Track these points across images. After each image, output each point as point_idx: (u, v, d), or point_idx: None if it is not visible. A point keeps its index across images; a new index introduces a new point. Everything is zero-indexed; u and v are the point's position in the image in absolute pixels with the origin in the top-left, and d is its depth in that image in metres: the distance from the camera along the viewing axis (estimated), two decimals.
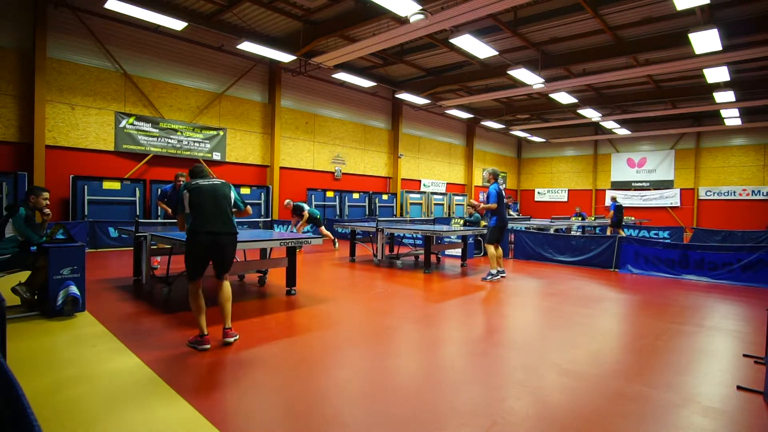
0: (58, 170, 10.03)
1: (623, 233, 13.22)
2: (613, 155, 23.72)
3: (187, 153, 12.10)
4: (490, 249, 7.02)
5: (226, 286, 3.73)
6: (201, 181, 3.69)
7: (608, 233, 13.37)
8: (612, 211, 13.91)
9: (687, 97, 16.17)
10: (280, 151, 14.20)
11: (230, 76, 13.06)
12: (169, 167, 11.64)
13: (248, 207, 3.98)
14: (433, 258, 8.67)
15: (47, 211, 4.68)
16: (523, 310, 5.33)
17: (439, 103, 17.15)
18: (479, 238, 10.28)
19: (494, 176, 6.98)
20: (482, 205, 7.04)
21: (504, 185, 25.71)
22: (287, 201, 11.19)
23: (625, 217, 14.50)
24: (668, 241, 11.47)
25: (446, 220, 13.86)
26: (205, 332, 3.54)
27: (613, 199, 14.18)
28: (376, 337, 4.03)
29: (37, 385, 2.78)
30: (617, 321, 4.95)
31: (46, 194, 4.64)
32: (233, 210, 3.78)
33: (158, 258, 7.11)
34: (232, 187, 3.86)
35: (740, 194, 20.05)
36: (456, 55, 13.32)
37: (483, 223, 10.23)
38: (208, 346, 3.50)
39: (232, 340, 3.64)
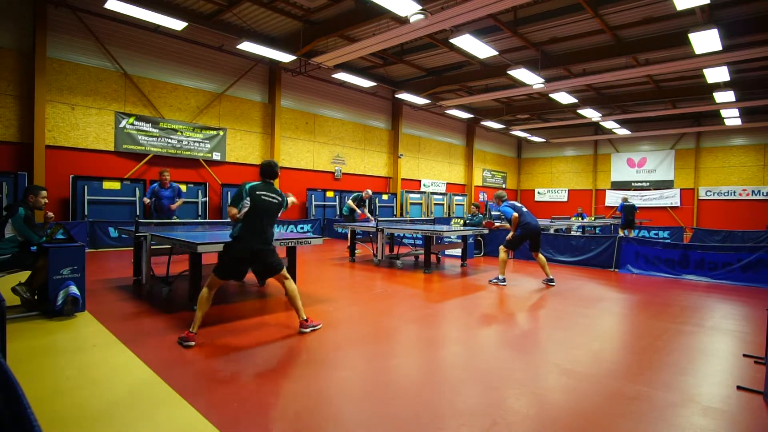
0: (58, 170, 10.03)
1: (628, 233, 12.86)
2: (613, 155, 23.71)
3: (187, 153, 12.10)
4: (501, 253, 6.78)
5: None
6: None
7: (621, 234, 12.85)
8: (620, 212, 13.54)
9: (687, 97, 16.17)
10: (280, 151, 14.20)
11: (230, 76, 13.06)
12: (169, 167, 11.63)
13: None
14: (433, 258, 8.66)
15: (50, 214, 4.72)
16: (523, 310, 5.32)
17: (439, 103, 17.15)
18: (479, 239, 10.28)
19: (499, 199, 7.01)
20: (509, 225, 6.89)
21: (504, 185, 25.70)
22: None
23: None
24: (668, 241, 11.46)
25: (446, 220, 13.85)
26: (194, 330, 3.65)
27: (624, 199, 13.70)
28: (376, 337, 4.03)
29: (38, 385, 2.78)
30: (617, 321, 4.95)
31: (45, 193, 4.65)
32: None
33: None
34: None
35: (740, 194, 20.03)
36: (456, 55, 13.32)
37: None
38: (193, 343, 3.58)
39: (306, 330, 4.02)
